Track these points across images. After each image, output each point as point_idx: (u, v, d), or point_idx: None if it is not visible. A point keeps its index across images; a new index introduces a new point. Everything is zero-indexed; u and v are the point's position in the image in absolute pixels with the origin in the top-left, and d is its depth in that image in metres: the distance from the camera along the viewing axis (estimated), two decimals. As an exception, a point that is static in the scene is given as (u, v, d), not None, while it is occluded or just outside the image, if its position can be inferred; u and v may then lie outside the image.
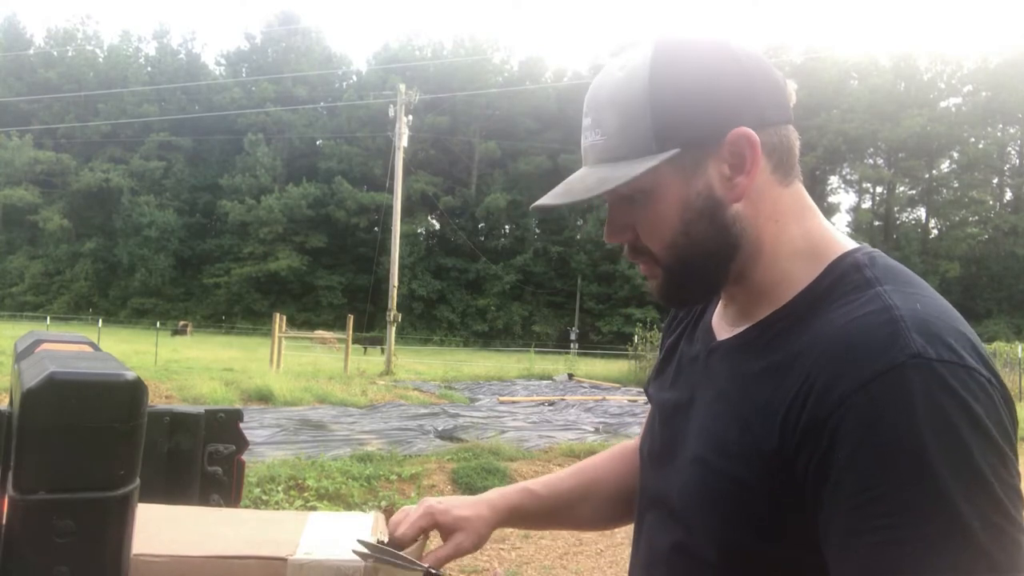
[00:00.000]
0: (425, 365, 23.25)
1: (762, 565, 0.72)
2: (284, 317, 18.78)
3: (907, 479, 0.59)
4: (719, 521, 0.75)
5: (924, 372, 0.62)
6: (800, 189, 0.80)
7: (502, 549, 5.11)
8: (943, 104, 50.18)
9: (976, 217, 49.52)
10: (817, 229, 0.80)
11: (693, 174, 0.75)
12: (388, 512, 0.94)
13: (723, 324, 0.86)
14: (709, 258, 0.77)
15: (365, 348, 29.33)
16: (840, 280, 0.74)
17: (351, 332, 20.95)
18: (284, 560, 0.70)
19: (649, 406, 1.02)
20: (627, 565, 0.95)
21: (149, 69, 61.47)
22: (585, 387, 18.90)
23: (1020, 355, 16.18)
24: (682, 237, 0.76)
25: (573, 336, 43.68)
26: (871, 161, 52.10)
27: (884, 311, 0.67)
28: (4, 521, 0.54)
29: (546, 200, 0.80)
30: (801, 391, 0.68)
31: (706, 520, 0.76)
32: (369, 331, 35.31)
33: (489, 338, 45.87)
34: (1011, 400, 0.65)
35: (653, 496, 0.89)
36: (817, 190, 53.20)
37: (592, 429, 10.43)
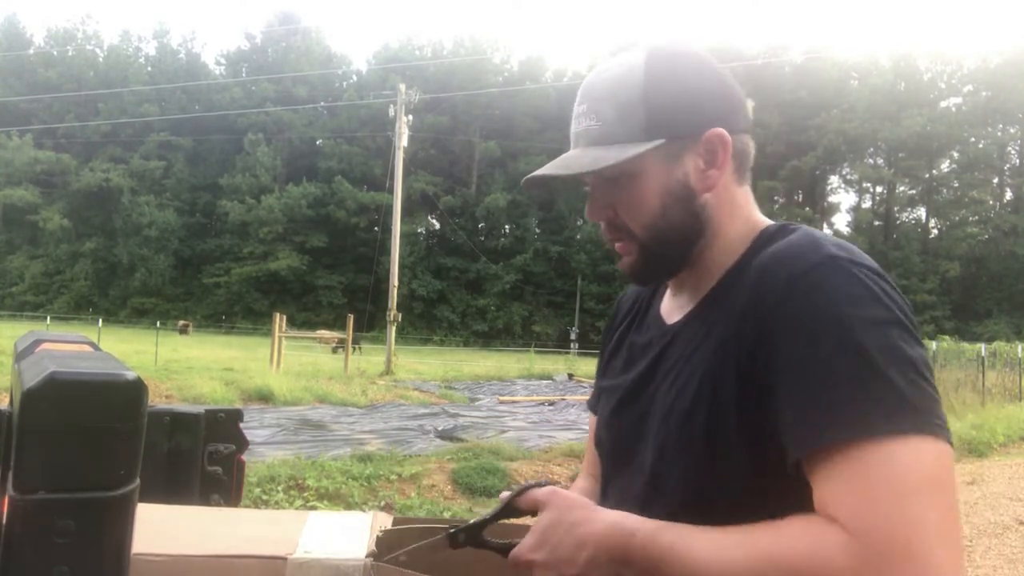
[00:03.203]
0: (425, 365, 23.23)
1: (727, 511, 0.76)
2: (284, 317, 18.77)
3: (837, 353, 0.70)
4: (691, 485, 0.81)
5: (840, 268, 0.75)
6: (748, 190, 0.94)
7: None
8: (943, 104, 50.10)
9: (976, 217, 49.44)
10: (759, 219, 0.92)
11: (674, 163, 0.86)
12: (388, 509, 0.93)
13: (673, 310, 0.94)
14: (680, 240, 0.88)
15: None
16: (771, 237, 0.86)
17: (351, 332, 20.94)
18: (284, 559, 0.71)
19: (590, 416, 1.08)
20: None
21: (149, 69, 61.38)
22: (585, 387, 18.87)
23: (1020, 355, 16.12)
24: (660, 219, 0.87)
25: (573, 336, 43.64)
26: (871, 161, 52.00)
27: (807, 234, 0.82)
28: (4, 521, 0.54)
29: (543, 171, 0.89)
30: (746, 313, 0.79)
31: (676, 489, 0.82)
32: (369, 331, 35.19)
33: (489, 338, 45.82)
34: (905, 298, 0.79)
35: (620, 488, 0.91)
36: (817, 190, 53.20)
37: (592, 429, 10.41)
